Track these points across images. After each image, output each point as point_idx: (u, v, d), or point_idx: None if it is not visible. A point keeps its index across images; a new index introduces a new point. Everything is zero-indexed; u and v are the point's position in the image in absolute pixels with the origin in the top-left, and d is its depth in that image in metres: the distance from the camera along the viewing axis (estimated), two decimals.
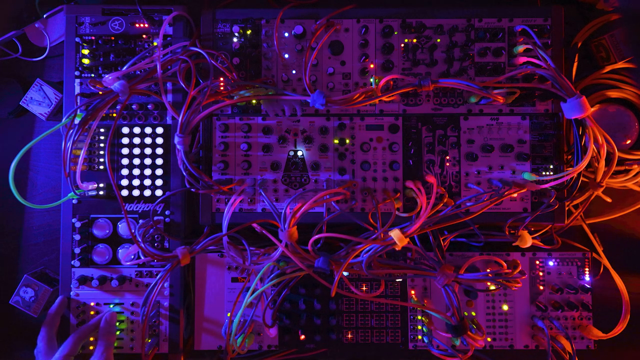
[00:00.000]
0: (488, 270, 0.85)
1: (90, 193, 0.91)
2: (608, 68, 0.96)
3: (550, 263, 0.92)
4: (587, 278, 0.92)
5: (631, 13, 0.78)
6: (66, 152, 0.83)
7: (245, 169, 0.91)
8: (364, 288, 0.92)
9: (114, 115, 0.92)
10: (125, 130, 0.92)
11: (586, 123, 0.85)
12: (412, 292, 0.93)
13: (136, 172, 0.92)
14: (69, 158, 0.83)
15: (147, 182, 0.92)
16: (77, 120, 0.83)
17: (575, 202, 0.92)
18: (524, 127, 0.90)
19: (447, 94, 0.91)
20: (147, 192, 0.92)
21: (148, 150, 0.92)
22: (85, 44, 0.92)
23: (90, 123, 0.83)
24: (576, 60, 0.92)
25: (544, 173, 0.90)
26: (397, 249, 0.79)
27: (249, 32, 0.91)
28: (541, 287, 0.92)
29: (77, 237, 0.91)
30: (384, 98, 0.87)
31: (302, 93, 0.86)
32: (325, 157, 0.91)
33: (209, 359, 0.97)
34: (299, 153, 0.91)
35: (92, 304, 0.91)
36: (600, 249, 0.97)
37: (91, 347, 0.90)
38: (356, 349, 0.92)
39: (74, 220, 0.91)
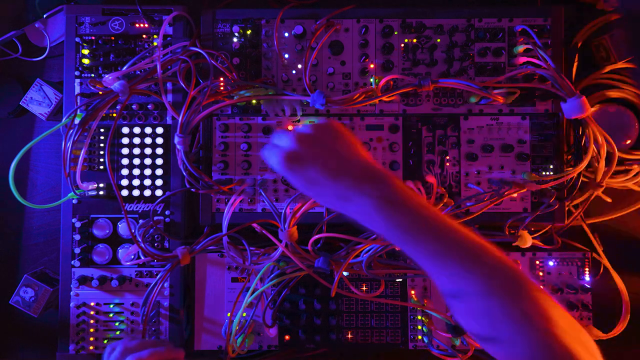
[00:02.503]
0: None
1: (90, 193, 0.91)
2: (608, 68, 0.96)
3: (550, 263, 0.92)
4: (587, 278, 0.92)
5: (631, 13, 0.78)
6: (66, 152, 0.83)
7: (245, 169, 0.91)
8: (364, 288, 0.92)
9: (114, 115, 0.92)
10: (125, 130, 0.92)
11: (586, 123, 0.85)
12: (412, 292, 0.93)
13: (136, 172, 0.92)
14: (69, 158, 0.83)
15: (147, 182, 0.92)
16: (77, 120, 0.83)
17: (575, 202, 0.92)
18: (524, 127, 0.90)
19: (447, 94, 0.91)
20: (147, 192, 0.92)
21: (148, 150, 0.92)
22: (85, 44, 0.92)
23: (90, 123, 0.83)
24: (576, 60, 0.92)
25: (544, 173, 0.90)
26: (397, 248, 0.79)
27: (249, 32, 0.91)
28: (541, 287, 0.92)
29: (77, 237, 0.91)
30: (384, 98, 0.87)
31: (302, 93, 0.86)
32: None
33: (209, 359, 0.97)
34: None
35: (92, 304, 0.91)
36: (600, 249, 0.97)
37: (91, 347, 0.91)
38: (356, 349, 0.92)
39: (74, 220, 0.91)
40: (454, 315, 0.59)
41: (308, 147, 0.63)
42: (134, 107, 0.92)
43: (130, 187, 0.92)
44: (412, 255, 0.59)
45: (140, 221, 0.90)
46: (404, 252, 0.60)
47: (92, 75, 0.92)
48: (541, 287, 0.57)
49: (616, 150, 0.86)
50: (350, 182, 0.60)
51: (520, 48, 0.89)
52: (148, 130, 0.93)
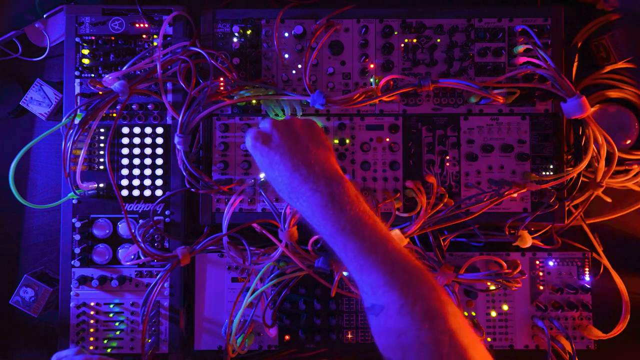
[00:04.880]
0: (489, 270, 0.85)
1: (90, 193, 0.91)
2: (608, 68, 0.96)
3: (550, 263, 0.92)
4: (587, 278, 0.92)
5: (631, 13, 0.78)
6: (66, 152, 0.83)
7: (245, 169, 0.91)
8: None
9: (114, 115, 0.92)
10: (125, 130, 0.92)
11: (586, 123, 0.85)
12: None
13: (136, 172, 0.92)
14: (69, 158, 0.83)
15: (147, 182, 0.92)
16: (77, 120, 0.83)
17: (575, 202, 0.92)
18: (524, 127, 0.90)
19: (447, 94, 0.91)
20: (147, 192, 0.92)
21: (148, 150, 0.92)
22: (85, 44, 0.92)
23: (90, 123, 0.83)
24: (576, 60, 0.92)
25: (544, 173, 0.90)
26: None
27: (249, 32, 0.91)
28: (541, 287, 0.92)
29: (77, 237, 0.91)
30: (384, 98, 0.87)
31: (302, 93, 0.86)
32: None
33: (209, 359, 0.97)
34: None
35: (92, 304, 0.91)
36: (600, 249, 0.97)
37: (91, 347, 0.91)
38: (356, 349, 0.92)
39: (74, 220, 0.91)
40: (372, 332, 0.58)
41: (281, 134, 0.68)
42: (134, 107, 0.92)
43: (130, 187, 0.92)
44: (342, 256, 0.60)
45: (140, 221, 0.90)
46: (335, 252, 0.61)
47: (92, 75, 0.92)
48: (466, 321, 0.54)
49: (616, 150, 0.86)
50: (307, 175, 0.63)
51: (520, 48, 0.89)
52: (148, 130, 0.93)
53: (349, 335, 0.92)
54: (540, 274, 0.92)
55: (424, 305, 0.53)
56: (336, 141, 0.91)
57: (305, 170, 0.64)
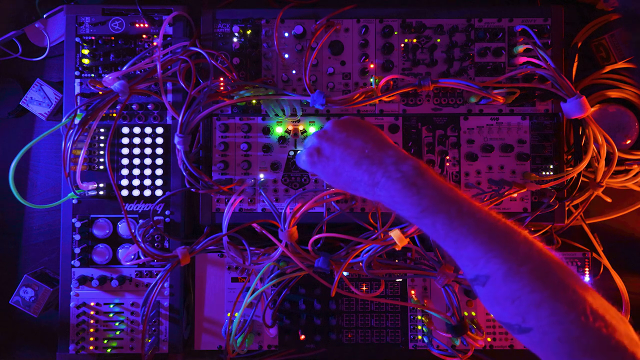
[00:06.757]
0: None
1: (90, 193, 0.91)
2: (608, 68, 0.96)
3: None
4: (587, 278, 0.92)
5: (631, 13, 0.78)
6: (66, 152, 0.83)
7: (245, 169, 0.91)
8: (364, 288, 0.92)
9: (114, 115, 0.92)
10: (125, 130, 0.92)
11: (586, 123, 0.85)
12: (412, 292, 0.93)
13: (136, 172, 0.92)
14: (69, 158, 0.83)
15: (147, 182, 0.92)
16: (77, 120, 0.83)
17: (575, 202, 0.92)
18: (524, 127, 0.90)
19: (447, 94, 0.91)
20: (147, 192, 0.92)
21: (148, 150, 0.92)
22: (85, 44, 0.92)
23: (90, 123, 0.83)
24: (576, 60, 0.92)
25: (544, 173, 0.90)
26: (397, 249, 0.79)
27: (249, 32, 0.91)
28: (576, 273, 0.91)
29: (77, 237, 0.91)
30: (384, 98, 0.87)
31: (302, 93, 0.86)
32: None
33: (209, 359, 0.97)
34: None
35: (92, 304, 0.91)
36: (600, 249, 0.97)
37: (91, 347, 0.91)
38: (356, 349, 0.92)
39: (74, 220, 0.91)
40: (482, 302, 0.57)
41: (329, 140, 0.68)
42: (134, 107, 0.92)
43: (130, 187, 0.92)
44: (434, 236, 0.58)
45: (140, 221, 0.90)
46: (427, 234, 0.59)
47: (92, 75, 0.92)
48: (576, 273, 0.52)
49: (616, 150, 0.86)
50: (372, 166, 0.62)
51: (520, 48, 0.89)
52: (148, 130, 0.93)
53: (349, 335, 0.92)
54: None
55: (530, 264, 0.51)
56: None
57: (368, 162, 0.63)
